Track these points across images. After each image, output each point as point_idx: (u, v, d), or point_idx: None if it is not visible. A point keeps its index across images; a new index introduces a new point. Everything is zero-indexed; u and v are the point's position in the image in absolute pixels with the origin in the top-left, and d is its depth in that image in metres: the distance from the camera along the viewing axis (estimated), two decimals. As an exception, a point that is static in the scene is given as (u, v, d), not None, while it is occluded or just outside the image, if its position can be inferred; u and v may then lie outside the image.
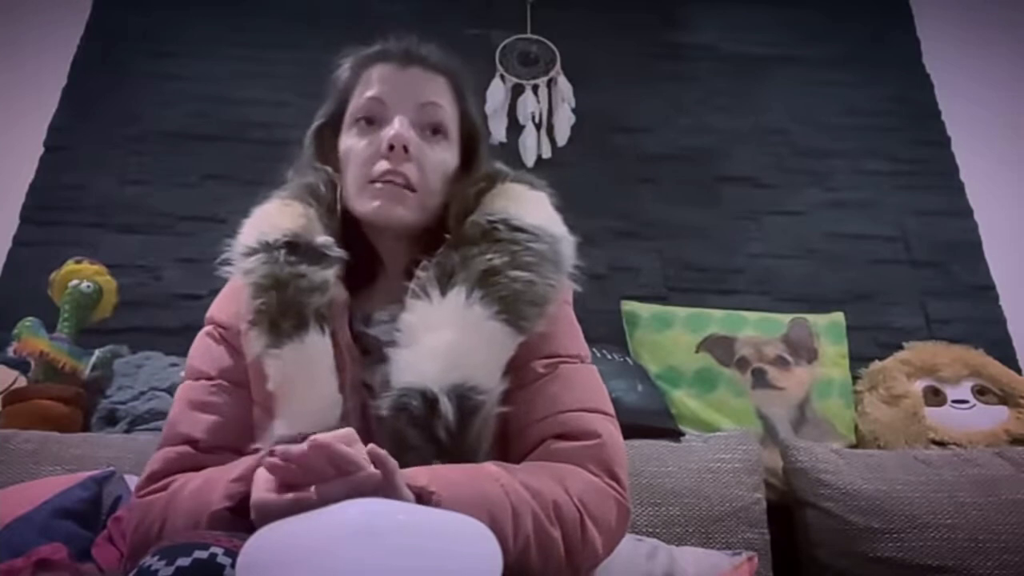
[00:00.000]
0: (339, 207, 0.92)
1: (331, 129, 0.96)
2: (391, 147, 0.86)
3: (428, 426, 0.77)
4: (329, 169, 0.93)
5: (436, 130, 0.91)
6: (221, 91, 2.28)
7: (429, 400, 0.77)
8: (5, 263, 2.03)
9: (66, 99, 2.24)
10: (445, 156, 0.92)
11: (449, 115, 0.93)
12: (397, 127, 0.87)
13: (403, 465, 0.75)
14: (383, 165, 0.87)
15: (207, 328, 0.92)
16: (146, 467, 0.84)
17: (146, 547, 0.77)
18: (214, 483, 0.73)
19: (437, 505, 0.66)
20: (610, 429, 0.84)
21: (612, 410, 0.87)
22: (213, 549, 0.60)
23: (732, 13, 2.54)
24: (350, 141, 0.91)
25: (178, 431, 0.85)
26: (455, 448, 0.76)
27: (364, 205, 0.88)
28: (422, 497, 0.67)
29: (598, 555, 0.78)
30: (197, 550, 0.60)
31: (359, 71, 0.94)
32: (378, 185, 0.87)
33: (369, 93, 0.91)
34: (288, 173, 0.98)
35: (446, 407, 0.77)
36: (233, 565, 0.59)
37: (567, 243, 0.89)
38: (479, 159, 0.96)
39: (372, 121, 0.90)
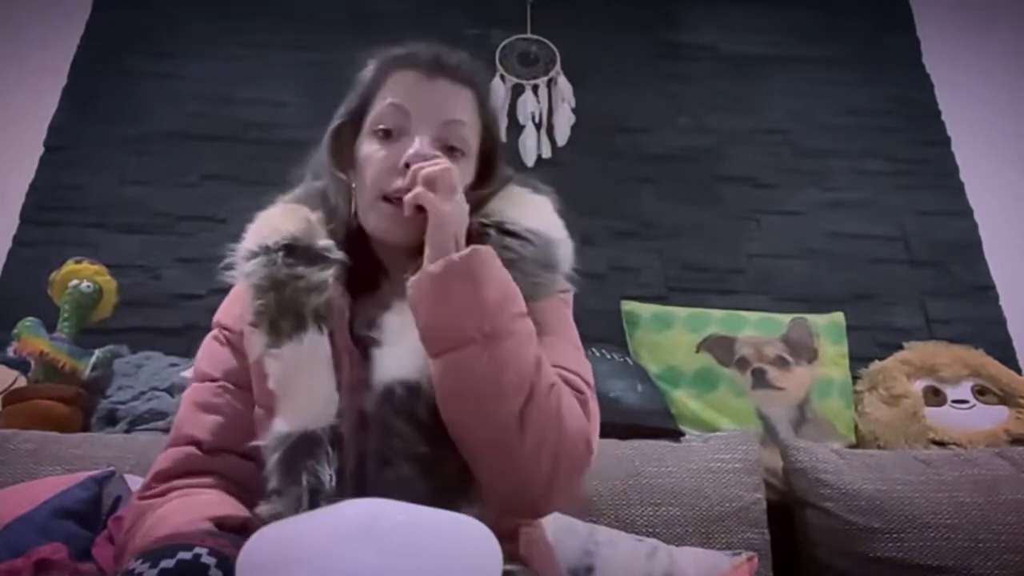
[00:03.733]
0: (347, 213, 0.91)
1: (350, 128, 0.94)
2: (407, 165, 0.85)
3: (411, 411, 0.78)
4: (344, 177, 0.93)
5: (456, 148, 0.89)
6: (221, 91, 2.28)
7: (411, 387, 0.79)
8: (5, 263, 2.03)
9: (66, 99, 2.24)
10: (462, 174, 0.90)
11: (471, 131, 0.91)
12: (417, 146, 0.85)
13: (392, 454, 0.78)
14: (398, 183, 0.85)
15: (213, 332, 0.94)
16: (152, 466, 0.85)
17: (124, 553, 0.79)
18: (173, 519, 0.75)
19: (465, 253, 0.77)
20: (589, 391, 0.85)
21: (592, 384, 0.87)
22: (197, 549, 0.61)
23: (732, 13, 2.54)
24: (368, 148, 0.89)
25: (183, 432, 0.86)
26: (439, 428, 0.78)
27: (372, 222, 0.88)
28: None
29: (546, 447, 0.76)
30: (181, 551, 0.61)
31: (385, 73, 0.92)
32: (388, 206, 0.86)
33: (393, 100, 0.89)
34: (302, 172, 0.98)
35: (427, 388, 0.79)
36: (218, 565, 0.60)
37: (564, 246, 0.89)
38: (495, 173, 0.95)
39: (392, 130, 0.88)
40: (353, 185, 0.92)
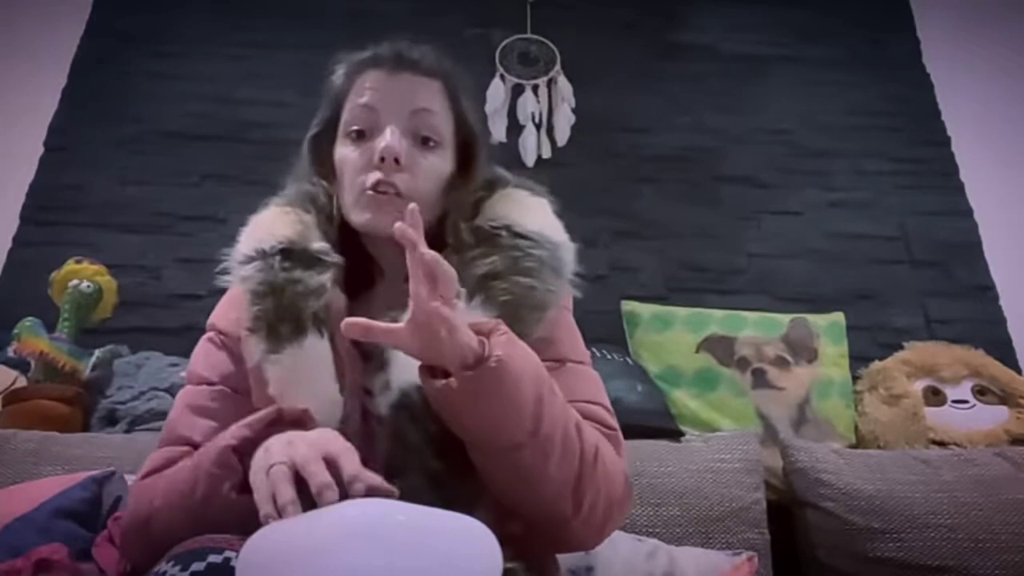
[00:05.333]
0: (336, 215, 0.92)
1: (327, 137, 0.95)
2: (382, 158, 0.86)
3: (425, 420, 0.77)
4: (325, 183, 0.94)
5: (429, 137, 0.90)
6: (221, 91, 2.28)
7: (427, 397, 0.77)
8: (5, 263, 2.03)
9: (66, 99, 2.24)
10: (438, 163, 0.91)
11: (442, 120, 0.92)
12: (388, 138, 0.86)
13: (402, 463, 0.76)
14: (375, 176, 0.86)
15: (209, 335, 0.93)
16: (146, 463, 0.84)
17: (137, 526, 0.79)
18: (212, 445, 0.76)
19: (494, 359, 0.69)
20: (616, 425, 0.86)
21: (612, 411, 0.88)
22: (227, 553, 0.61)
23: (732, 13, 2.54)
24: (344, 151, 0.91)
25: (178, 433, 0.85)
26: (454, 445, 0.76)
27: (358, 216, 0.89)
28: (483, 340, 0.71)
29: (598, 509, 0.78)
30: (212, 554, 0.61)
31: (351, 77, 0.93)
32: (370, 194, 0.87)
33: (360, 101, 0.90)
34: (287, 179, 0.98)
35: None
36: None
37: (567, 250, 0.90)
38: (477, 163, 0.95)
39: (364, 130, 0.90)
40: (334, 191, 0.93)
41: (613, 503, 0.80)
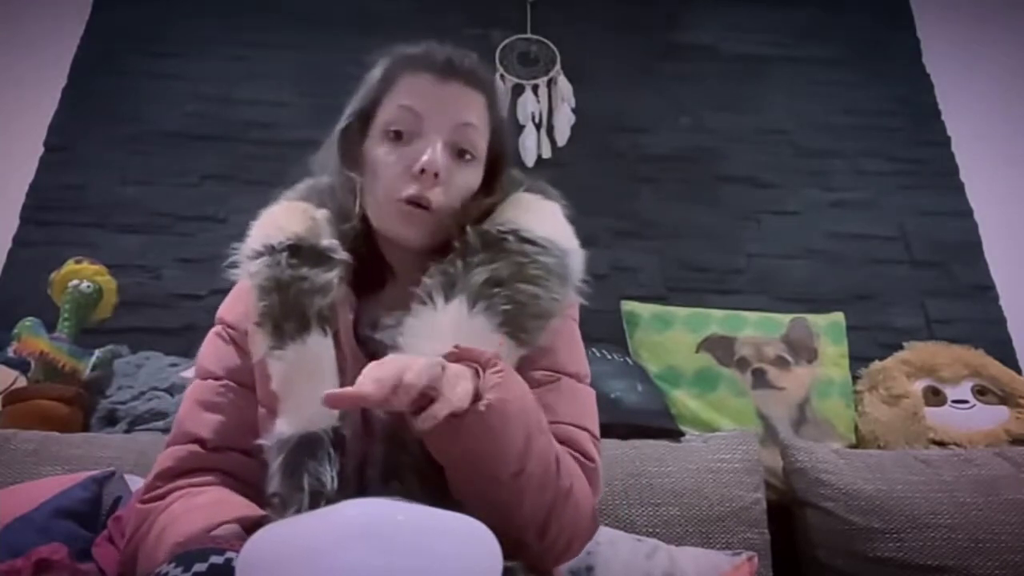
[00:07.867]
0: (358, 210, 0.90)
1: (358, 127, 0.93)
2: (422, 170, 0.84)
3: None
4: (355, 176, 0.91)
5: (467, 151, 0.89)
6: (221, 91, 2.28)
7: None
8: (5, 263, 2.03)
9: (66, 99, 2.24)
10: (471, 177, 0.90)
11: (482, 135, 0.90)
12: (431, 153, 0.84)
13: (399, 463, 0.77)
14: (412, 188, 0.85)
15: (216, 328, 0.93)
16: (155, 465, 0.84)
17: (134, 559, 0.78)
18: (207, 509, 0.75)
19: (483, 403, 0.68)
20: (598, 456, 0.85)
21: (599, 436, 0.88)
22: (229, 554, 0.61)
23: (732, 13, 2.54)
24: (379, 151, 0.88)
25: (186, 430, 0.85)
26: None
27: (385, 224, 0.88)
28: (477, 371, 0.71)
29: (561, 539, 0.77)
30: (213, 555, 0.61)
31: (395, 74, 0.90)
32: (404, 207, 0.85)
33: (404, 102, 0.88)
34: (306, 168, 0.97)
35: None
36: None
37: (576, 256, 0.89)
38: (501, 177, 0.94)
39: (403, 132, 0.87)
40: (360, 186, 0.90)
41: (576, 536, 0.80)
